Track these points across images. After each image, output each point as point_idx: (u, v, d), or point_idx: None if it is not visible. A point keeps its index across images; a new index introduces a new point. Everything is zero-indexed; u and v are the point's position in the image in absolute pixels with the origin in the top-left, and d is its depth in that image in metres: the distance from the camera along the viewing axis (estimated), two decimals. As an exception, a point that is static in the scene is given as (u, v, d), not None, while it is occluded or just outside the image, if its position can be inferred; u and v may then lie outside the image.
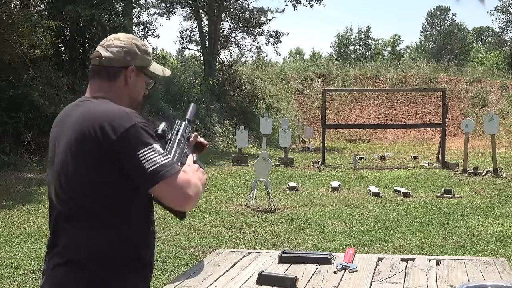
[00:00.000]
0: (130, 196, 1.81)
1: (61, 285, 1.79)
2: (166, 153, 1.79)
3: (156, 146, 1.77)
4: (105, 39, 2.01)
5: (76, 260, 1.77)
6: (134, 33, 19.19)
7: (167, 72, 2.12)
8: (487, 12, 65.01)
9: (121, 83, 1.95)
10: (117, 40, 1.97)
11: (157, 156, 1.75)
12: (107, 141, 1.76)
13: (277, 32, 26.65)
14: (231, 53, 26.68)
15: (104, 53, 1.94)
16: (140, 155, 1.74)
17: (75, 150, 1.81)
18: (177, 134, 2.02)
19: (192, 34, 26.58)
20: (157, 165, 1.73)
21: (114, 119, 1.78)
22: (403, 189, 9.72)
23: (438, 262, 1.98)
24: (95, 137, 1.77)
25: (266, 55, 45.30)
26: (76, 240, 1.79)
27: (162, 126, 1.99)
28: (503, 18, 50.25)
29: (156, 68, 2.06)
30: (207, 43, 24.53)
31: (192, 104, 2.28)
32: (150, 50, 2.06)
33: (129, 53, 1.96)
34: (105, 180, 1.78)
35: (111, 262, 1.79)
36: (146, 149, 1.75)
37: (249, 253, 2.11)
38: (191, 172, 1.84)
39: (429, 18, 57.77)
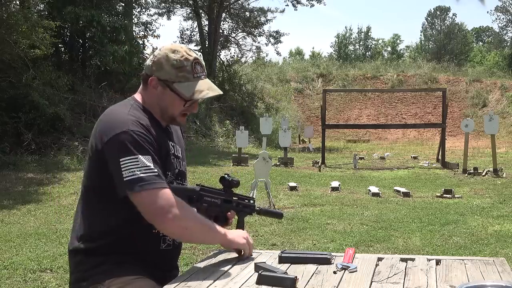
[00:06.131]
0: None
1: None
2: (152, 167, 1.84)
3: (141, 158, 1.83)
4: None
5: None
6: (134, 33, 19.20)
7: (200, 95, 1.99)
8: (487, 12, 65.11)
9: (151, 90, 2.04)
10: (158, 49, 2.06)
11: (138, 167, 1.82)
12: (99, 148, 1.91)
13: (277, 32, 26.69)
14: (231, 53, 26.74)
15: (147, 60, 2.09)
16: (122, 162, 1.83)
17: (89, 154, 2.01)
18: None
19: (192, 34, 26.63)
20: (134, 176, 1.81)
21: (108, 128, 1.90)
22: (403, 189, 9.72)
23: (438, 262, 1.98)
24: (95, 145, 1.94)
25: (266, 55, 45.40)
26: None
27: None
28: (503, 18, 50.34)
29: (185, 86, 1.99)
30: (207, 43, 24.53)
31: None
32: (188, 66, 1.98)
33: (156, 64, 2.02)
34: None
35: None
36: (129, 158, 1.83)
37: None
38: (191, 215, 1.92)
39: (429, 18, 57.85)
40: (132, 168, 1.82)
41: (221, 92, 2.07)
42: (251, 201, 2.23)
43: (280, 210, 2.37)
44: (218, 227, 1.99)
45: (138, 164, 1.82)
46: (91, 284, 1.94)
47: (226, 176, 2.14)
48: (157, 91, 2.01)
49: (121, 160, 1.83)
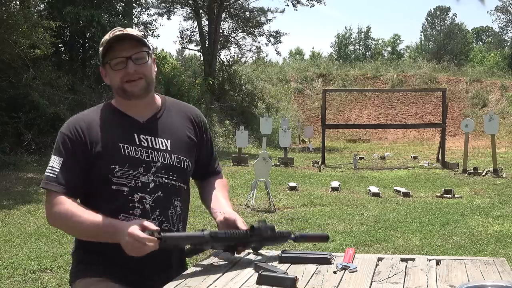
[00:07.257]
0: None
1: None
2: (55, 167, 1.95)
3: (54, 158, 1.98)
4: None
5: None
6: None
7: (104, 39, 2.01)
8: (487, 12, 65.10)
9: (107, 82, 2.09)
10: None
11: (49, 166, 1.98)
12: None
13: (277, 32, 26.68)
14: (231, 53, 26.72)
15: None
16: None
17: None
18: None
19: (192, 34, 26.59)
20: (45, 173, 1.98)
21: None
22: (403, 189, 9.72)
23: (438, 262, 1.97)
24: None
25: (266, 55, 45.39)
26: None
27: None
28: (503, 18, 50.36)
29: (103, 49, 2.01)
30: (207, 43, 24.51)
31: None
32: (106, 37, 2.01)
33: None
34: None
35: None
36: (52, 155, 1.99)
37: (249, 253, 2.11)
38: (82, 213, 1.89)
39: (429, 18, 57.87)
40: (48, 165, 1.99)
41: (135, 33, 2.00)
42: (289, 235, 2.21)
43: (324, 233, 2.35)
44: (106, 225, 1.86)
45: (50, 163, 1.98)
46: (71, 283, 2.05)
47: (256, 225, 2.06)
48: (108, 78, 2.05)
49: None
